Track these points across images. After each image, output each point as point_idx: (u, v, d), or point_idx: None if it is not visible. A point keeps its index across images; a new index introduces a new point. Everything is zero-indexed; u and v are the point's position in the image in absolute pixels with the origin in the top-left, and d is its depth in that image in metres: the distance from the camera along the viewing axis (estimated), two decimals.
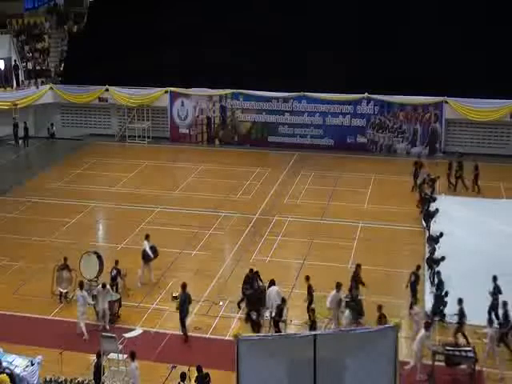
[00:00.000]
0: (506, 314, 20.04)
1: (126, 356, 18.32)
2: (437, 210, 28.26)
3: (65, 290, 22.97)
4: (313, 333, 13.42)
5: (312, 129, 41.34)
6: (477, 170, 32.80)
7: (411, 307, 21.27)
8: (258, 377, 13.02)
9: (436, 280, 22.66)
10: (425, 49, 39.08)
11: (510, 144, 39.48)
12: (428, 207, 28.75)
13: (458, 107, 39.03)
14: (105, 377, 18.12)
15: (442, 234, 25.51)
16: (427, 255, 24.43)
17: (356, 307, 20.79)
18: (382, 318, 19.45)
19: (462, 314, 20.15)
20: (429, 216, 27.97)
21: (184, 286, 20.83)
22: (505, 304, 20.10)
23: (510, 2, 39.44)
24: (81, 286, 21.45)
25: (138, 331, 20.39)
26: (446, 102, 39.16)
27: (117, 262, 23.03)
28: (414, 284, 22.14)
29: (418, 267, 22.55)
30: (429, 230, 27.11)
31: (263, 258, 26.08)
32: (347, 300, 21.01)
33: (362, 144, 40.77)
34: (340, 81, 39.33)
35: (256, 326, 20.74)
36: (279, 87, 40.72)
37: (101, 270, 23.42)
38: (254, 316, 20.85)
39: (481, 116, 38.74)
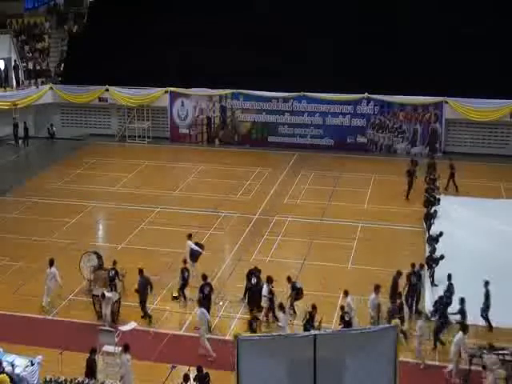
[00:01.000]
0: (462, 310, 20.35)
1: (119, 348, 18.41)
2: (435, 211, 28.35)
3: (103, 290, 22.47)
4: (313, 333, 13.41)
5: (312, 129, 41.34)
6: (452, 169, 32.64)
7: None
8: (258, 377, 13.02)
9: (433, 278, 22.86)
10: (425, 49, 39.11)
11: (510, 144, 39.48)
12: (430, 208, 28.77)
13: (458, 107, 39.03)
14: (99, 370, 18.21)
15: (441, 234, 25.53)
16: (427, 255, 24.45)
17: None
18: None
19: (463, 314, 20.19)
20: (428, 217, 28.00)
21: (141, 271, 21.84)
22: (462, 301, 20.32)
23: (510, 2, 39.48)
24: (51, 263, 22.59)
25: (132, 325, 20.42)
26: (446, 102, 39.16)
27: (115, 262, 23.01)
28: (416, 286, 22.17)
29: (418, 265, 22.54)
30: (428, 230, 27.13)
31: (263, 258, 26.07)
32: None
33: (362, 144, 40.77)
34: (340, 81, 39.33)
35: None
36: (279, 87, 40.73)
37: (101, 269, 23.36)
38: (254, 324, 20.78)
39: (481, 116, 38.74)
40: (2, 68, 44.58)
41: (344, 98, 40.44)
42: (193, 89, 42.50)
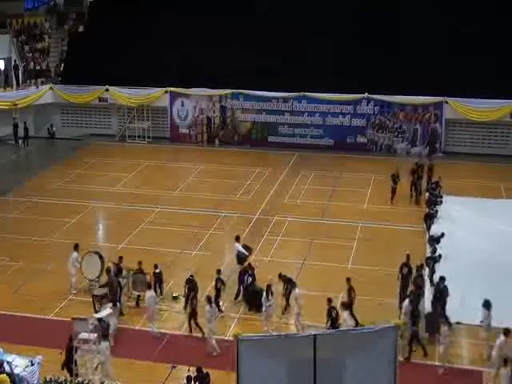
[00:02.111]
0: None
1: (96, 335, 18.53)
2: (436, 211, 28.36)
3: (141, 293, 22.41)
4: (313, 333, 13.40)
5: (312, 129, 41.34)
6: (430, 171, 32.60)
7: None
8: (257, 377, 13.01)
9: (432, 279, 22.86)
10: (425, 49, 39.12)
11: (510, 144, 39.48)
12: (432, 208, 28.75)
13: (458, 107, 39.04)
14: (77, 355, 18.39)
15: (443, 235, 25.54)
16: (428, 255, 24.46)
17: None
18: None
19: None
20: (429, 217, 27.99)
21: (108, 270, 22.22)
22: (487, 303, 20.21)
23: (509, 2, 39.49)
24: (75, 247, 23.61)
25: (108, 310, 20.46)
26: (446, 102, 39.17)
27: (156, 266, 22.93)
28: (407, 277, 22.31)
29: (408, 256, 22.75)
30: (429, 230, 27.12)
31: (263, 257, 26.07)
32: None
33: (362, 144, 40.77)
34: (340, 81, 39.34)
35: None
36: (279, 87, 40.73)
37: (102, 270, 23.38)
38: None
39: (481, 116, 38.74)
40: (2, 68, 44.62)
41: (344, 97, 40.44)
42: (193, 89, 42.50)
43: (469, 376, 18.98)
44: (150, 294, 21.24)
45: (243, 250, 24.15)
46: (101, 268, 23.46)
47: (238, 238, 24.64)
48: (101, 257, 23.68)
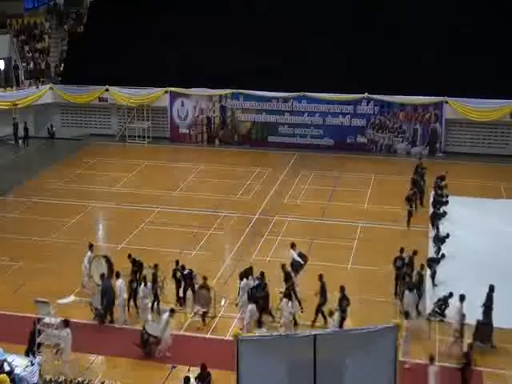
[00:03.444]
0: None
1: (58, 320, 18.95)
2: (445, 212, 28.28)
3: (204, 309, 21.80)
4: (313, 333, 13.40)
5: (312, 129, 41.34)
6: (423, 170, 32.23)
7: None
8: (258, 377, 13.01)
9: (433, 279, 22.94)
10: (425, 49, 39.10)
11: (510, 144, 39.49)
12: (438, 208, 28.67)
13: (458, 107, 39.04)
14: (40, 338, 18.72)
15: (448, 235, 25.50)
16: (431, 255, 24.43)
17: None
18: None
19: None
20: (436, 217, 27.88)
21: (103, 276, 21.93)
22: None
23: (509, 2, 39.50)
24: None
25: (70, 298, 20.51)
26: (446, 102, 39.17)
27: (156, 266, 22.56)
28: (401, 270, 22.65)
29: (402, 250, 23.12)
30: (436, 230, 26.97)
31: (263, 258, 26.07)
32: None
33: (362, 144, 40.78)
34: (340, 81, 39.34)
35: None
36: (279, 87, 40.73)
37: (110, 274, 22.98)
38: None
39: (481, 116, 38.74)
40: (2, 68, 44.62)
41: (344, 97, 40.44)
42: (193, 89, 42.50)
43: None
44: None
45: (299, 259, 22.99)
46: (108, 272, 22.95)
47: (293, 246, 23.41)
48: (108, 261, 23.29)
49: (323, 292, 21.30)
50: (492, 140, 39.74)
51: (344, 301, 20.55)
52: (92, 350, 20.20)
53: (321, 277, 21.54)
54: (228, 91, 41.98)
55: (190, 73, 41.91)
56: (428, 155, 39.34)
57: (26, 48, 46.62)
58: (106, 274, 22.72)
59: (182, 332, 21.29)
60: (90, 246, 23.92)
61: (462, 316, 19.80)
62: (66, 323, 18.84)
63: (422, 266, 22.67)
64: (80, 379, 17.86)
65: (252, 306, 20.79)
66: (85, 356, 19.81)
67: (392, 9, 40.36)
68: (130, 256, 23.31)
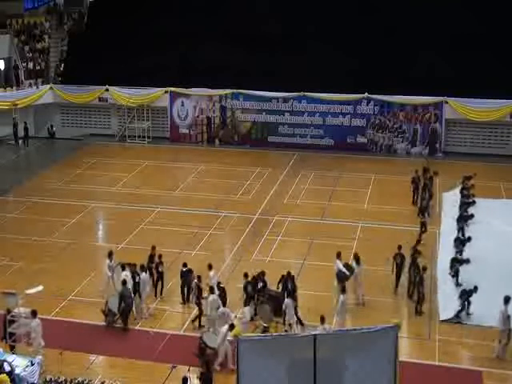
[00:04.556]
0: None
1: (28, 310, 19.31)
2: (472, 215, 28.12)
3: (265, 325, 21.14)
4: (313, 333, 13.41)
5: (312, 129, 41.34)
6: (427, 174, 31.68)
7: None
8: (258, 377, 13.02)
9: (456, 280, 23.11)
10: (425, 49, 39.10)
11: (510, 144, 39.48)
12: (465, 210, 28.48)
13: (458, 107, 39.03)
14: (11, 328, 19.15)
15: (469, 238, 25.49)
16: (452, 256, 24.45)
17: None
18: None
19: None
20: (462, 219, 27.72)
21: (124, 282, 21.48)
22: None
23: (510, 2, 39.49)
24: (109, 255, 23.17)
25: (38, 288, 20.61)
26: (446, 102, 39.16)
27: (199, 278, 22.04)
28: (400, 266, 23.31)
29: (400, 247, 23.55)
30: (459, 232, 26.80)
31: (263, 258, 26.08)
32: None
33: (362, 144, 40.77)
34: (340, 81, 39.34)
35: None
36: (279, 87, 40.73)
37: (155, 290, 22.96)
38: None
39: (481, 116, 38.73)
40: (2, 68, 44.60)
41: (344, 98, 40.45)
42: (193, 89, 42.50)
43: (469, 376, 18.98)
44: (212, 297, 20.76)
45: (344, 269, 22.35)
46: (152, 286, 22.79)
47: (339, 255, 22.79)
48: (123, 267, 22.80)
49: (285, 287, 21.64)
50: (492, 140, 39.73)
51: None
52: (92, 349, 20.21)
53: (289, 273, 21.90)
54: (228, 91, 41.98)
55: (190, 73, 41.93)
56: (428, 155, 39.39)
57: (26, 48, 46.59)
58: (132, 284, 22.24)
59: (182, 332, 21.30)
60: (110, 255, 23.28)
61: (507, 318, 19.50)
62: (35, 314, 19.17)
63: (424, 269, 22.60)
64: (80, 379, 17.85)
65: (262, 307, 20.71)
66: (86, 356, 19.83)
67: (392, 8, 40.35)
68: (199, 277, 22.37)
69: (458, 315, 21.39)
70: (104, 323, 21.52)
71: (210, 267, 22.45)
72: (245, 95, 41.84)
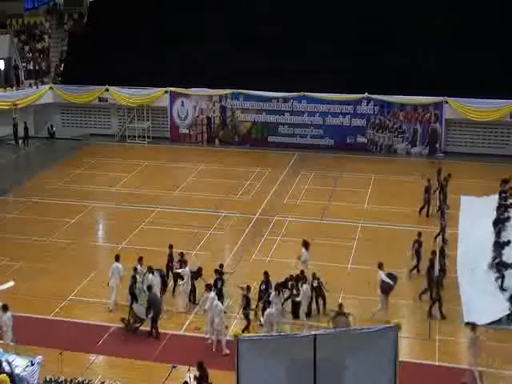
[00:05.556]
0: None
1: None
2: (509, 217, 27.75)
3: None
4: (313, 333, 13.41)
5: (312, 129, 41.34)
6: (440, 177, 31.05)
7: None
8: (257, 377, 13.03)
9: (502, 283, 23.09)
10: (425, 49, 39.11)
11: (510, 144, 39.47)
12: (502, 213, 28.13)
13: (458, 107, 39.03)
14: None
15: (509, 242, 25.32)
16: (491, 260, 24.43)
17: None
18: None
19: None
20: (499, 222, 27.45)
21: (150, 288, 21.22)
22: None
23: (510, 2, 39.49)
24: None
25: (9, 283, 20.68)
26: (446, 102, 39.15)
27: (248, 289, 21.62)
28: (419, 251, 24.42)
29: (419, 234, 24.88)
30: (497, 235, 26.49)
31: (263, 257, 26.08)
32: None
33: (362, 144, 40.77)
34: (340, 81, 39.35)
35: None
36: (279, 87, 40.73)
37: (164, 290, 22.79)
38: None
39: (481, 116, 38.73)
40: (2, 68, 44.60)
41: (344, 97, 40.44)
42: (193, 89, 42.50)
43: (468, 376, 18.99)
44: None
45: (388, 280, 21.70)
46: (161, 287, 22.53)
47: (380, 266, 22.11)
48: (162, 275, 22.78)
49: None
50: (492, 140, 39.72)
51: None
52: (92, 349, 20.22)
53: (266, 274, 21.85)
54: (228, 91, 41.97)
55: (190, 73, 41.91)
56: (428, 155, 39.41)
57: (26, 48, 46.60)
58: (160, 287, 22.26)
59: (182, 332, 21.30)
60: (140, 260, 22.84)
61: None
62: (6, 308, 19.48)
63: (420, 234, 24.17)
64: (80, 379, 17.85)
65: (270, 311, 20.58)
66: (85, 356, 19.84)
67: (392, 8, 40.34)
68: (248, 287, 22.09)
69: (510, 319, 21.16)
70: (121, 326, 21.29)
71: (265, 273, 22.04)
72: (245, 95, 41.84)
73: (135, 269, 22.42)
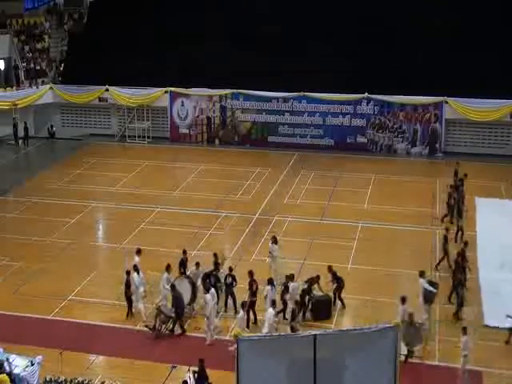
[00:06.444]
0: None
1: None
2: None
3: (409, 349, 19.71)
4: (313, 333, 13.41)
5: (312, 129, 41.33)
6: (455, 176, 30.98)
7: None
8: (257, 377, 13.03)
9: None
10: (425, 49, 39.11)
11: (510, 144, 39.46)
12: None
13: (458, 107, 39.03)
14: None
15: None
16: None
17: None
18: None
19: None
20: None
21: (173, 287, 21.16)
22: None
23: (510, 2, 39.50)
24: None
25: None
26: (446, 102, 39.14)
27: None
28: (445, 247, 24.53)
29: (447, 229, 25.25)
30: None
31: (263, 257, 26.01)
32: None
33: (362, 144, 40.76)
34: (340, 81, 39.34)
35: None
36: (279, 87, 40.72)
37: (194, 297, 22.20)
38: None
39: (481, 116, 38.72)
40: (2, 68, 44.59)
41: (344, 97, 40.44)
42: (193, 89, 42.49)
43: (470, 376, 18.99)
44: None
45: (430, 288, 21.09)
46: (192, 294, 22.03)
47: (422, 274, 21.47)
48: (192, 283, 22.19)
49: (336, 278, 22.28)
50: (492, 140, 39.72)
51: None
52: (92, 349, 20.23)
53: (250, 273, 21.86)
54: (228, 91, 41.97)
55: (190, 73, 41.91)
56: (428, 155, 39.41)
57: (26, 48, 46.58)
58: (190, 296, 21.84)
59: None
60: (168, 267, 22.19)
61: None
62: None
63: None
64: (80, 379, 17.85)
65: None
66: (85, 356, 19.84)
67: (392, 8, 40.34)
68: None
69: None
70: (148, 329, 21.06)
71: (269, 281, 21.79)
72: (245, 95, 41.84)
73: (128, 272, 22.00)
